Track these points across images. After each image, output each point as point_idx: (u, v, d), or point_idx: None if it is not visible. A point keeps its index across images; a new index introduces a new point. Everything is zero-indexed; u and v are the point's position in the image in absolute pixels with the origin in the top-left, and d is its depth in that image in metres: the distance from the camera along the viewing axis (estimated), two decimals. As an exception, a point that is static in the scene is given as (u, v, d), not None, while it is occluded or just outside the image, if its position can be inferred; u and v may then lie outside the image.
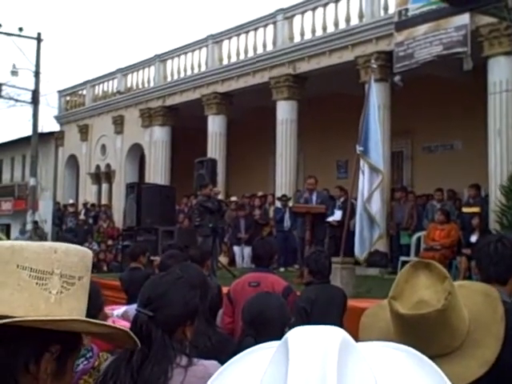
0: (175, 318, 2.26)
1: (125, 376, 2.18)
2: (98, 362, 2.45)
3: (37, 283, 1.13)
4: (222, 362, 0.83)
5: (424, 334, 1.71)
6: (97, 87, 24.49)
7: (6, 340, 1.11)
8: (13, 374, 1.12)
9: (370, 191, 9.49)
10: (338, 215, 12.76)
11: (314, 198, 11.81)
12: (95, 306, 2.30)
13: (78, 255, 1.19)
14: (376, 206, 9.60)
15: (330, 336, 0.73)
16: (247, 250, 14.68)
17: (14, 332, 1.10)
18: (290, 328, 0.77)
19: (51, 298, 1.13)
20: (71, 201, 23.04)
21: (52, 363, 1.15)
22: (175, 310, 2.26)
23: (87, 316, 1.21)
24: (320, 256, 5.28)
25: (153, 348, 2.17)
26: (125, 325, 2.49)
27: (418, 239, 12.31)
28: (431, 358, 0.80)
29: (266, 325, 3.02)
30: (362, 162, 9.63)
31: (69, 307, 1.15)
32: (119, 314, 4.54)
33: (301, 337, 0.73)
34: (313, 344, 0.72)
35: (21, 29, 23.17)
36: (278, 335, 0.79)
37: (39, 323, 1.10)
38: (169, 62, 20.69)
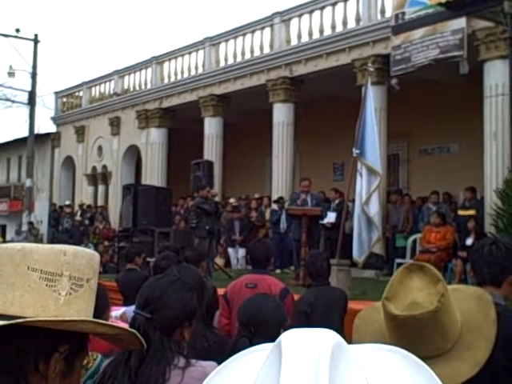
0: (173, 320, 2.27)
1: (123, 377, 2.18)
2: (86, 361, 2.47)
3: (47, 285, 1.16)
4: (220, 363, 0.84)
5: (416, 335, 1.73)
6: (93, 89, 24.44)
7: (17, 340, 1.14)
8: (24, 372, 1.15)
9: (368, 193, 9.51)
10: (331, 217, 12.76)
11: (309, 199, 11.81)
12: (101, 308, 2.33)
13: (86, 258, 1.22)
14: (374, 209, 9.62)
15: (322, 339, 0.74)
16: (241, 252, 14.69)
17: (24, 332, 1.14)
18: (286, 330, 0.79)
19: (60, 300, 1.16)
20: (67, 202, 22.95)
21: (61, 363, 1.18)
22: (173, 312, 2.27)
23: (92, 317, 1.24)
24: (317, 258, 5.29)
25: (151, 349, 2.17)
26: (123, 326, 2.51)
27: (414, 242, 12.34)
28: (423, 359, 0.81)
29: (261, 326, 3.02)
30: (359, 165, 9.65)
31: (77, 308, 1.18)
32: (117, 316, 4.54)
33: (294, 339, 0.74)
34: (305, 347, 0.73)
35: (18, 30, 23.17)
36: (274, 337, 0.80)
37: (50, 323, 1.14)
38: (166, 64, 20.67)
